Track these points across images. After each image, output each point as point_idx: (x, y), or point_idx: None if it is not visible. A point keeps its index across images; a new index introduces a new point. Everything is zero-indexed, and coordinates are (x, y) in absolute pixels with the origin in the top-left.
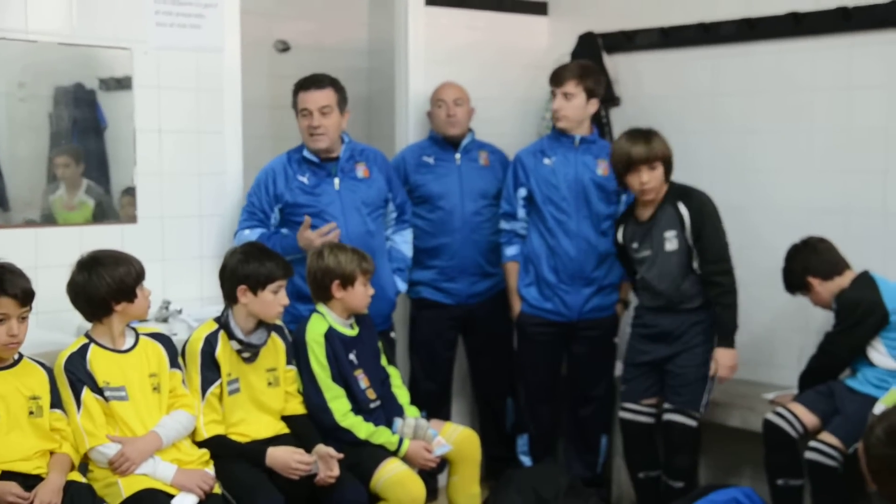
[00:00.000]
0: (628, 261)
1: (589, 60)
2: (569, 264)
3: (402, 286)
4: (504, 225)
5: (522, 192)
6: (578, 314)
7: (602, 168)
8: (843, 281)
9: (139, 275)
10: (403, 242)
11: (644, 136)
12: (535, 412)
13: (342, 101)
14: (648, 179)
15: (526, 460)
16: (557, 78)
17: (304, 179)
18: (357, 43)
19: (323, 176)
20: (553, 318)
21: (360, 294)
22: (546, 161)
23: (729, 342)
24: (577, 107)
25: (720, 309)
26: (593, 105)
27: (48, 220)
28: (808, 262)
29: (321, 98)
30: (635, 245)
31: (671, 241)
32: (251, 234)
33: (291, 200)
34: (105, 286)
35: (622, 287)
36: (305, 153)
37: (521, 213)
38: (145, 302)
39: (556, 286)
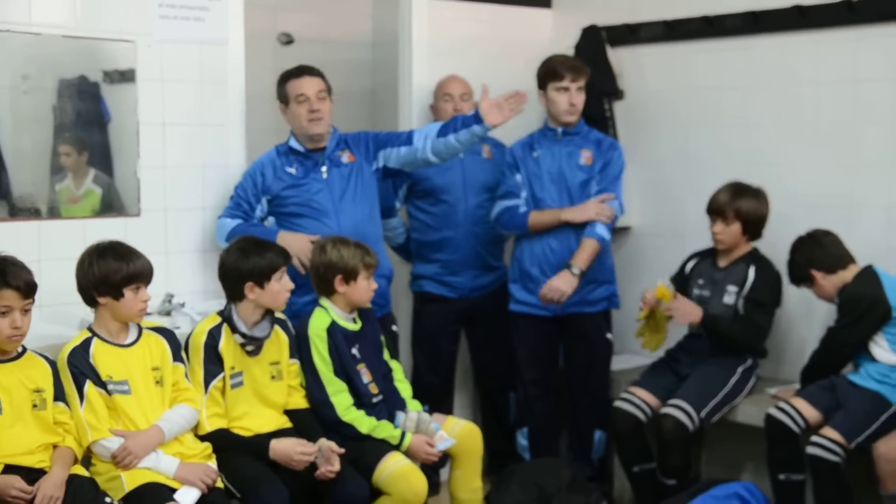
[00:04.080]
0: (683, 290)
1: (593, 53)
2: (550, 256)
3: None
4: (507, 203)
5: (518, 177)
6: (563, 308)
7: (585, 158)
8: (847, 275)
9: (130, 276)
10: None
11: (736, 190)
12: (533, 406)
13: (329, 90)
14: (720, 231)
15: (526, 455)
16: (578, 70)
17: (292, 171)
18: (361, 35)
19: (310, 166)
20: (538, 313)
21: (363, 288)
22: (534, 154)
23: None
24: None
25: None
26: None
27: (52, 213)
28: (812, 255)
29: (316, 83)
30: (700, 282)
31: (730, 296)
32: (232, 223)
33: (279, 192)
34: (92, 275)
35: None
36: (292, 143)
37: (524, 193)
38: (135, 305)
39: (538, 279)
